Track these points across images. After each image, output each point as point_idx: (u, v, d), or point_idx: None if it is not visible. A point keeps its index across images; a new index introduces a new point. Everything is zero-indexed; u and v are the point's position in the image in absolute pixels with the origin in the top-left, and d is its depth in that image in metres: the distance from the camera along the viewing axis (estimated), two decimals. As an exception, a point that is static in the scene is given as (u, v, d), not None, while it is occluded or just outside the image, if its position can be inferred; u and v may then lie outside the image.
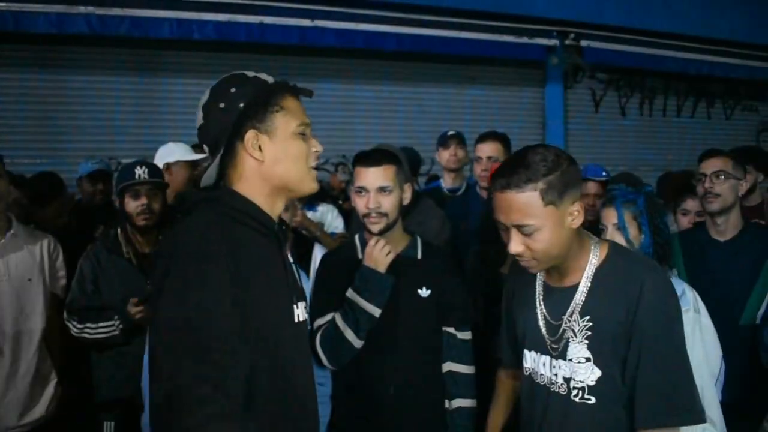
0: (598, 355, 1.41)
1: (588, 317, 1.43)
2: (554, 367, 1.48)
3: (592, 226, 1.93)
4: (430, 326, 1.99)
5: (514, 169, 1.36)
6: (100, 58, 5.15)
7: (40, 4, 4.63)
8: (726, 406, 1.84)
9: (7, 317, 2.41)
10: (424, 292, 1.97)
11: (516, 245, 1.40)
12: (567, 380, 1.46)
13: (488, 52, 6.00)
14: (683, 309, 1.82)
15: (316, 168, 1.35)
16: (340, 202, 4.37)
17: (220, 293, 1.13)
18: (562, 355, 1.46)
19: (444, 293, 1.99)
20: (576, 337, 1.44)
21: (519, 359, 1.61)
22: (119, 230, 2.61)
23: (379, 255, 1.88)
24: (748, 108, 7.60)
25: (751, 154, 3.05)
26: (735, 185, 2.35)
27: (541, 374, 1.52)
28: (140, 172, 2.55)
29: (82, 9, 4.72)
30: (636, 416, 1.39)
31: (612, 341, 1.40)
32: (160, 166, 3.03)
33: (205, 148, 1.32)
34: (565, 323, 1.46)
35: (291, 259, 1.39)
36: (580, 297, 1.45)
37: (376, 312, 1.86)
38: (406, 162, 2.00)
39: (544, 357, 1.51)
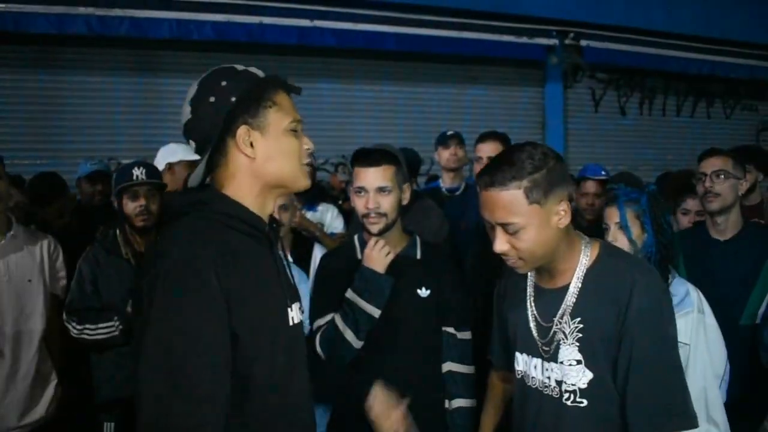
0: (589, 358, 1.38)
1: (579, 319, 1.40)
2: (546, 369, 1.46)
3: (593, 226, 1.92)
4: (429, 326, 1.98)
5: (498, 166, 1.35)
6: (99, 59, 5.16)
7: (40, 5, 4.64)
8: (726, 406, 1.82)
9: (7, 318, 2.41)
10: (423, 292, 1.97)
11: (500, 244, 1.38)
12: (559, 383, 1.43)
13: (488, 52, 6.01)
14: (686, 310, 1.81)
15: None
16: (340, 202, 4.36)
17: (204, 316, 1.09)
18: (553, 357, 1.44)
19: (444, 293, 1.98)
20: (567, 339, 1.41)
21: (510, 361, 1.58)
22: (118, 231, 2.61)
23: (378, 255, 1.88)
24: (747, 107, 7.60)
25: (751, 153, 3.04)
26: (735, 184, 2.34)
27: (533, 377, 1.49)
28: (138, 173, 2.54)
29: (81, 10, 4.73)
30: (628, 422, 1.36)
31: (603, 343, 1.37)
32: (162, 166, 3.04)
33: (192, 144, 1.26)
34: (556, 325, 1.43)
35: (285, 259, 1.36)
36: (570, 298, 1.42)
37: (376, 312, 1.86)
38: (405, 162, 2.00)
39: (535, 360, 1.48)
